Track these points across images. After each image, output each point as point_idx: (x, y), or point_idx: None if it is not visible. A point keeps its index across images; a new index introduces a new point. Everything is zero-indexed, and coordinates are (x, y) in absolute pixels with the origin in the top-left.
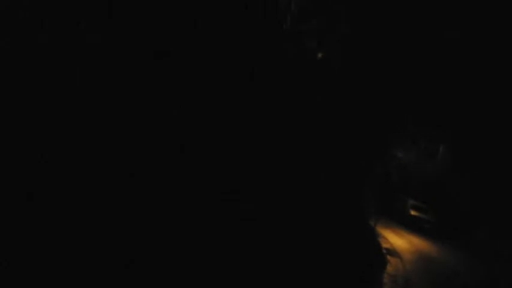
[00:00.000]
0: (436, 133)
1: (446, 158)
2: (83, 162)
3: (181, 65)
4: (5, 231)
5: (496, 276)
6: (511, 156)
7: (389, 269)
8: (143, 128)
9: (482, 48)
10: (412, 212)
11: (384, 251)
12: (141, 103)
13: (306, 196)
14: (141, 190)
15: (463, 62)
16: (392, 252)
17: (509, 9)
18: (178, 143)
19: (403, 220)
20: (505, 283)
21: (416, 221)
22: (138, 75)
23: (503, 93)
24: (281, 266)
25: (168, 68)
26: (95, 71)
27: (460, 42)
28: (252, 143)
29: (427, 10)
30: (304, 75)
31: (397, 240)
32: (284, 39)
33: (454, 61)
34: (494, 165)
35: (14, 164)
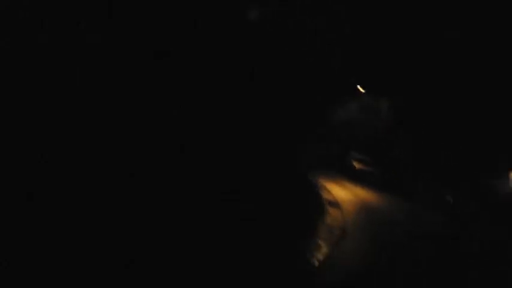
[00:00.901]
0: (379, 89)
1: (389, 113)
2: (83, 162)
3: (181, 65)
4: (5, 231)
5: (435, 223)
6: (451, 113)
7: (327, 219)
8: (143, 127)
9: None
10: (357, 165)
11: (325, 203)
12: (141, 103)
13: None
14: (141, 190)
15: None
16: (334, 203)
17: (509, 9)
18: (178, 143)
19: (349, 173)
20: (444, 228)
21: (360, 173)
22: (138, 75)
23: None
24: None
25: (168, 68)
26: (95, 71)
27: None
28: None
29: (427, 10)
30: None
31: (341, 192)
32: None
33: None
34: (434, 119)
35: (14, 164)
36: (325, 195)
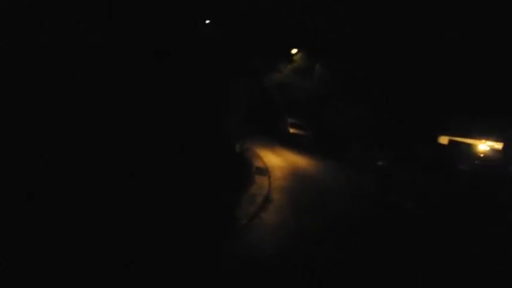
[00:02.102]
0: (312, 53)
1: (322, 78)
2: (83, 162)
3: (181, 65)
4: (5, 231)
5: (361, 185)
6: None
7: (253, 188)
8: (143, 127)
9: None
10: (291, 130)
11: (253, 170)
12: (141, 103)
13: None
14: (141, 190)
15: None
16: (263, 170)
17: (509, 9)
18: (178, 143)
19: (284, 139)
20: (368, 189)
21: (295, 138)
22: (138, 75)
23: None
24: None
25: (168, 68)
26: (95, 71)
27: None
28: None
29: (427, 10)
30: None
31: (274, 159)
32: None
33: None
34: (369, 81)
35: (14, 164)
36: (255, 163)
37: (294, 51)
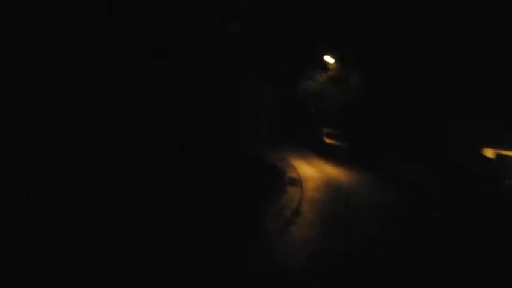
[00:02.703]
0: (348, 62)
1: (359, 87)
2: (83, 162)
3: (181, 65)
4: (5, 231)
5: (399, 199)
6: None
7: (283, 199)
8: (143, 127)
9: None
10: (326, 140)
11: (285, 181)
12: (141, 103)
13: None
14: (141, 190)
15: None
16: (295, 181)
17: (509, 9)
18: (178, 143)
19: (319, 149)
20: (405, 204)
21: (330, 148)
22: (138, 75)
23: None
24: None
25: (168, 68)
26: (95, 71)
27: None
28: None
29: (427, 10)
30: None
31: (307, 169)
32: None
33: None
34: (405, 91)
35: (14, 164)
36: (288, 173)
37: (329, 59)
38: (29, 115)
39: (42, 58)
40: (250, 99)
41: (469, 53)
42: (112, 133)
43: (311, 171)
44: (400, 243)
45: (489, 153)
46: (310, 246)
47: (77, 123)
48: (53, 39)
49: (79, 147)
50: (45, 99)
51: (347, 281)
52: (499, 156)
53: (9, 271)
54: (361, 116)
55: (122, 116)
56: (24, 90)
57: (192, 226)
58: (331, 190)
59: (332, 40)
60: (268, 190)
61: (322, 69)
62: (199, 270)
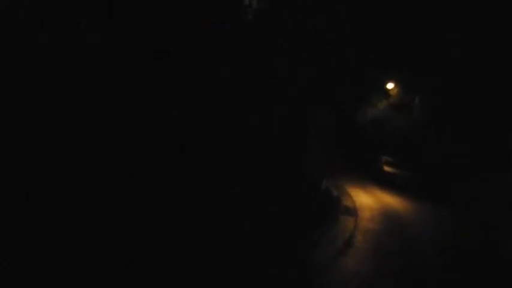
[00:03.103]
0: (410, 88)
1: (421, 114)
2: (83, 162)
3: (181, 65)
4: (5, 232)
5: (466, 235)
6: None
7: (335, 228)
8: (143, 127)
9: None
10: (386, 168)
11: (340, 209)
12: (141, 103)
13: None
14: (141, 190)
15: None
16: (350, 210)
17: (509, 9)
18: (178, 143)
19: (377, 177)
20: (470, 242)
21: (389, 176)
22: (138, 75)
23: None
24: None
25: (168, 68)
26: (95, 71)
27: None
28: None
29: (427, 10)
30: None
31: (364, 198)
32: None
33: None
34: (469, 121)
35: (14, 164)
36: (344, 202)
37: (390, 85)
38: (29, 115)
39: (42, 58)
40: (312, 127)
41: None
42: (112, 133)
43: (367, 200)
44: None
45: None
46: (358, 281)
47: (76, 123)
48: (53, 39)
49: (79, 147)
50: (45, 99)
51: None
52: None
53: (9, 271)
54: (424, 143)
55: (121, 116)
56: (24, 90)
57: (242, 252)
58: (388, 220)
59: (391, 63)
60: (321, 218)
61: (383, 95)
62: None
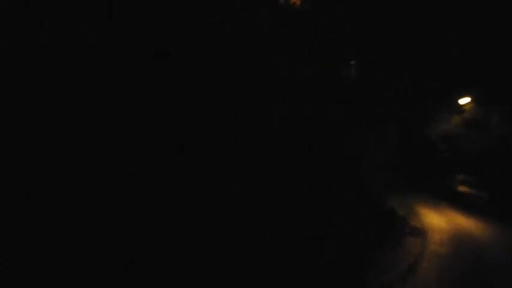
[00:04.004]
0: (486, 102)
1: (499, 128)
2: (83, 162)
3: (181, 65)
4: (5, 231)
5: None
6: None
7: (398, 251)
8: (143, 127)
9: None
10: (461, 188)
11: (406, 230)
12: (141, 103)
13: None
14: (141, 190)
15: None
16: (418, 231)
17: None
18: (178, 143)
19: (450, 196)
20: None
21: (464, 197)
22: (138, 75)
23: None
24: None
25: (168, 68)
26: (95, 71)
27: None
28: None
29: (427, 10)
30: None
31: (434, 219)
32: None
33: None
34: None
35: (14, 164)
36: (410, 222)
37: (464, 100)
38: (29, 115)
39: (42, 58)
40: (373, 138)
41: None
42: (112, 133)
43: (438, 221)
44: None
45: None
46: None
47: (76, 123)
48: (53, 39)
49: (79, 147)
50: (45, 99)
51: None
52: None
53: (9, 271)
54: (501, 162)
55: (121, 116)
56: (24, 90)
57: (296, 272)
58: (460, 244)
59: (464, 76)
60: (384, 239)
61: (455, 111)
62: None
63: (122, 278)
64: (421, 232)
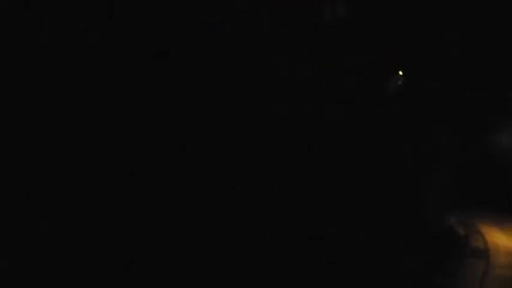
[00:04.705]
0: None
1: None
2: (83, 162)
3: (181, 65)
4: (5, 231)
5: None
6: None
7: (458, 275)
8: (143, 127)
9: None
10: None
11: (466, 251)
12: (141, 103)
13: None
14: (141, 190)
15: None
16: (480, 252)
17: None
18: (178, 142)
19: None
20: None
21: None
22: (138, 75)
23: None
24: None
25: (168, 68)
26: (95, 71)
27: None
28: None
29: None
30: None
31: (502, 239)
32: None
33: None
34: None
35: (13, 164)
36: (473, 242)
37: None
38: (29, 115)
39: (42, 58)
40: (430, 148)
41: None
42: (112, 133)
43: (505, 242)
44: None
45: None
46: None
47: (77, 123)
48: (53, 39)
49: (79, 147)
50: (45, 99)
51: None
52: None
53: (9, 270)
54: None
55: (122, 116)
56: (24, 90)
57: None
58: None
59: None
60: (439, 260)
61: None
62: None
63: (122, 278)
64: (484, 254)
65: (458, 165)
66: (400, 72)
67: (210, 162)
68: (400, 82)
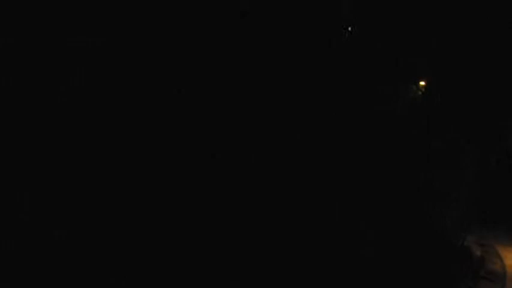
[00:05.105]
0: None
1: None
2: (83, 162)
3: (181, 65)
4: (6, 231)
5: None
6: None
7: None
8: (144, 127)
9: None
10: None
11: (480, 274)
12: (141, 103)
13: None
14: (141, 190)
15: None
16: (496, 275)
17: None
18: (178, 143)
19: None
20: None
21: None
22: (138, 75)
23: None
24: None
25: (169, 68)
26: (95, 71)
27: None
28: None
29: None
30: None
31: None
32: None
33: None
34: None
35: (14, 164)
36: (488, 264)
37: None
38: (29, 115)
39: (42, 58)
40: (448, 165)
41: None
42: (112, 133)
43: None
44: None
45: None
46: None
47: (77, 123)
48: (53, 39)
49: (79, 147)
50: (46, 99)
51: None
52: None
53: (9, 270)
54: None
55: (122, 116)
56: (24, 90)
57: None
58: None
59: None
60: (452, 280)
61: None
62: None
63: (122, 277)
64: (500, 277)
65: (477, 176)
66: (422, 83)
67: (210, 162)
68: (420, 92)
